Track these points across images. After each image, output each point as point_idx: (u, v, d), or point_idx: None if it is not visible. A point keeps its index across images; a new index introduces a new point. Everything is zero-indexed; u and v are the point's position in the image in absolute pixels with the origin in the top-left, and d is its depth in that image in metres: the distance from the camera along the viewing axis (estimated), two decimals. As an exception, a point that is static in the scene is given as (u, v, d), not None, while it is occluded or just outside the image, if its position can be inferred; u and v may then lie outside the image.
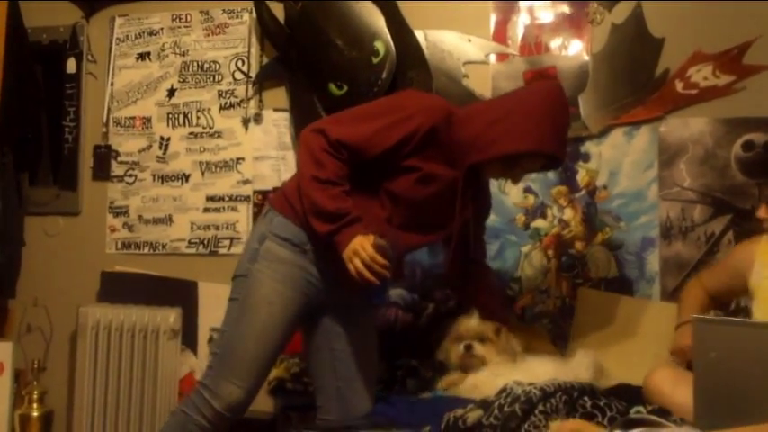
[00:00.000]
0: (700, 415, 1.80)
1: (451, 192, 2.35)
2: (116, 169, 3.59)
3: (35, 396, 3.43)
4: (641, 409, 2.01)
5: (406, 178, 2.30)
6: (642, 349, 2.74)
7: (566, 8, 3.16)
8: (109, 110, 3.61)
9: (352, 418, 2.40)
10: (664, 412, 1.99)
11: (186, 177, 3.51)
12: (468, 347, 2.55)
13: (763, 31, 2.95)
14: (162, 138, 3.54)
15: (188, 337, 3.38)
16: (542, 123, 2.28)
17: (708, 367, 1.85)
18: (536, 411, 1.95)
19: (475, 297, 2.67)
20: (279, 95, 3.43)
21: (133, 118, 3.58)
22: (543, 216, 3.11)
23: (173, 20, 3.57)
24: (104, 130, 3.60)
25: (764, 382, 1.74)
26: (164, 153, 3.54)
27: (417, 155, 2.29)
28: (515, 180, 2.52)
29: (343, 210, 2.21)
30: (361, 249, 2.15)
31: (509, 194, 3.11)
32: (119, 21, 3.62)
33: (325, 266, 2.34)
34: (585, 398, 2.02)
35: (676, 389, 2.12)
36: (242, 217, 3.42)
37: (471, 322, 2.59)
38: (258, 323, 2.34)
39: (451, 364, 2.62)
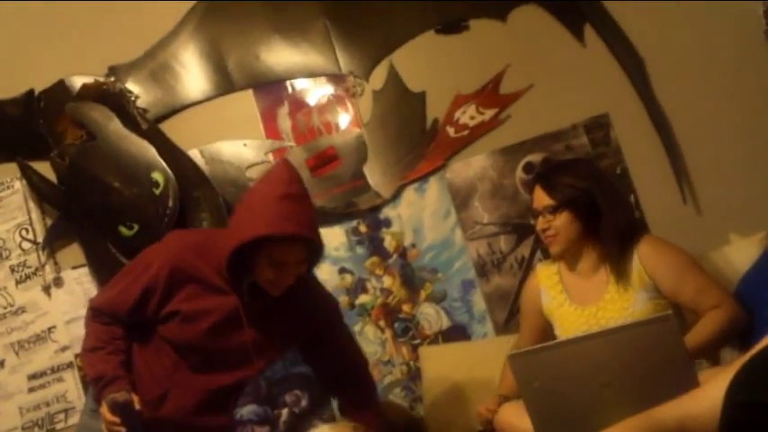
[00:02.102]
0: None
1: (239, 319, 2.26)
2: None
3: None
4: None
5: (172, 323, 2.28)
6: (492, 389, 2.76)
7: (326, 88, 3.23)
8: None
9: None
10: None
11: (1, 363, 3.29)
12: None
13: (510, 60, 3.12)
14: (-35, 330, 3.32)
15: None
16: (253, 215, 2.18)
17: (535, 396, 1.92)
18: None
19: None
20: (74, 253, 3.30)
21: (-72, 320, 3.35)
22: (365, 291, 3.12)
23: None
24: None
25: (587, 393, 1.81)
26: (-29, 346, 3.32)
27: (173, 298, 2.25)
28: (282, 279, 2.22)
29: (101, 373, 2.22)
30: (103, 413, 2.17)
31: (326, 280, 3.10)
32: None
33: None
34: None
35: (522, 418, 2.16)
36: (70, 385, 3.24)
37: None
38: None
39: None
